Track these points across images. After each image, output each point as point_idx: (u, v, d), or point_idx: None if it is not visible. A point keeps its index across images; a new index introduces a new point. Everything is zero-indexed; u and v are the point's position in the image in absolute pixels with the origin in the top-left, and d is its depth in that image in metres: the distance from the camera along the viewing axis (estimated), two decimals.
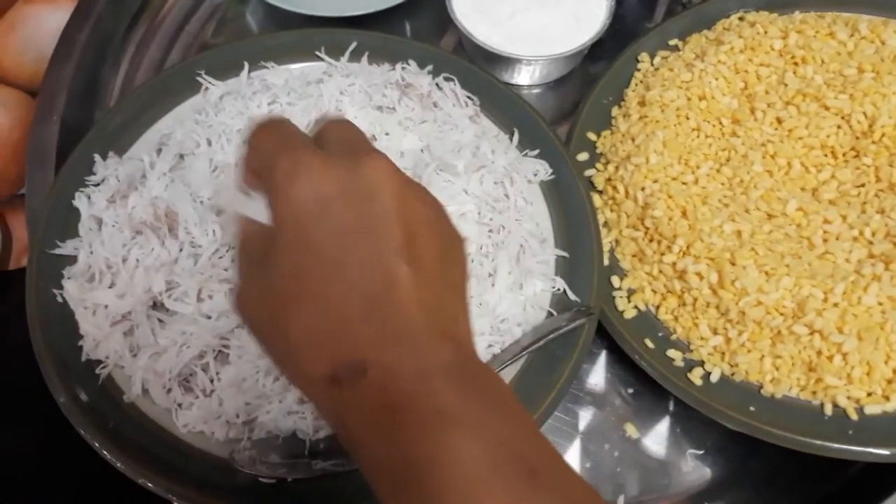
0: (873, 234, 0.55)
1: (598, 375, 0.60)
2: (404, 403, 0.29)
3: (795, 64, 0.63)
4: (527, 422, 0.31)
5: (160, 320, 0.52)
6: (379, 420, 0.29)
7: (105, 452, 0.49)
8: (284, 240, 0.31)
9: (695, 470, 0.57)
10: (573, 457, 0.57)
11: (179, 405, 0.51)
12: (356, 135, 0.35)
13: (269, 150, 0.33)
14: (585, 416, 0.58)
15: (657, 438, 0.58)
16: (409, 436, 0.29)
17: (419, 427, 0.29)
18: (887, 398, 0.52)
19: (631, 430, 0.58)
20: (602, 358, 0.60)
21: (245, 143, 0.35)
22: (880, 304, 0.52)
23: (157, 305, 0.52)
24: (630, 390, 0.59)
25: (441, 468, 0.28)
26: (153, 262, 0.52)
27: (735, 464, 0.57)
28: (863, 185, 0.58)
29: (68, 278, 0.54)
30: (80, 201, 0.56)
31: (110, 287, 0.52)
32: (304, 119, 0.58)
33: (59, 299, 0.54)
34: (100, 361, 0.52)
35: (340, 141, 0.34)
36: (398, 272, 0.31)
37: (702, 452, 0.57)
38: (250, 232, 0.34)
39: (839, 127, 0.60)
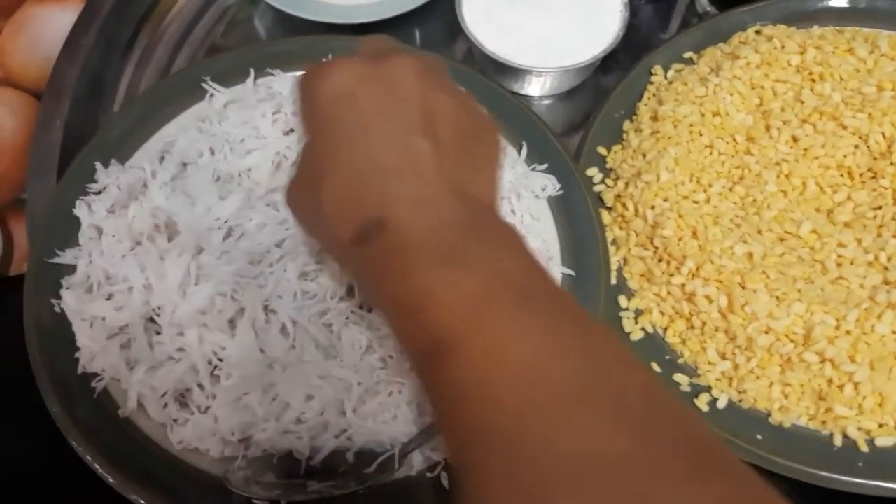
0: (889, 260, 0.53)
1: None
2: (416, 249, 0.33)
3: (813, 80, 0.61)
4: (526, 258, 0.34)
5: (157, 333, 0.51)
6: (394, 264, 0.33)
7: (97, 466, 0.48)
8: (315, 126, 0.36)
9: None
10: None
11: (175, 421, 0.50)
12: (391, 44, 0.40)
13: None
14: None
15: None
16: (416, 273, 0.32)
17: (425, 265, 0.32)
18: None
19: None
20: None
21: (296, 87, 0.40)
22: (894, 332, 0.51)
23: (154, 319, 0.51)
24: None
25: (440, 296, 0.31)
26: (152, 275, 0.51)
27: None
28: (879, 208, 0.56)
29: (67, 288, 0.53)
30: (80, 209, 0.56)
31: (108, 299, 0.52)
32: None
33: (57, 309, 0.53)
34: (96, 374, 0.51)
35: (374, 48, 0.38)
36: (418, 145, 0.34)
37: None
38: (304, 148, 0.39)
39: (856, 147, 0.58)
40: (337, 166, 0.35)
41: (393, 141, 0.34)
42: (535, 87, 0.69)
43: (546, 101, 0.70)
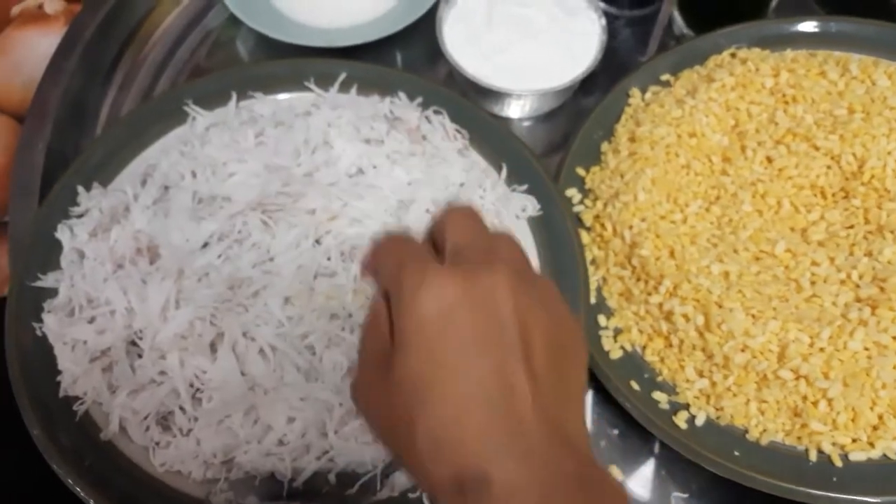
0: (860, 278, 0.54)
1: None
2: None
3: (786, 103, 0.63)
4: None
5: (139, 356, 0.51)
6: None
7: (79, 490, 0.48)
8: (409, 349, 0.33)
9: None
10: None
11: (157, 444, 0.50)
12: (476, 237, 0.37)
13: (394, 262, 0.35)
14: None
15: (642, 481, 0.57)
16: None
17: None
18: (872, 445, 0.51)
19: (616, 472, 0.57)
20: (588, 398, 0.59)
21: (369, 256, 0.37)
22: (866, 349, 0.52)
23: (136, 342, 0.51)
24: (616, 431, 0.58)
25: None
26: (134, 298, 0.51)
27: None
28: (852, 227, 0.58)
29: (48, 312, 0.54)
30: (62, 233, 0.56)
31: (90, 322, 0.52)
32: (288, 146, 0.58)
33: (39, 333, 0.53)
34: (78, 398, 0.51)
35: (461, 248, 0.36)
36: (517, 384, 0.32)
37: (686, 496, 0.57)
38: (376, 325, 0.36)
39: (829, 167, 0.59)
40: (433, 399, 0.33)
41: (493, 377, 0.32)
42: (515, 110, 0.70)
43: (526, 123, 0.71)
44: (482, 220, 0.38)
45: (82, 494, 0.48)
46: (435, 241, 0.38)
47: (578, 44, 0.68)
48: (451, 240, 0.37)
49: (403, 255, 0.35)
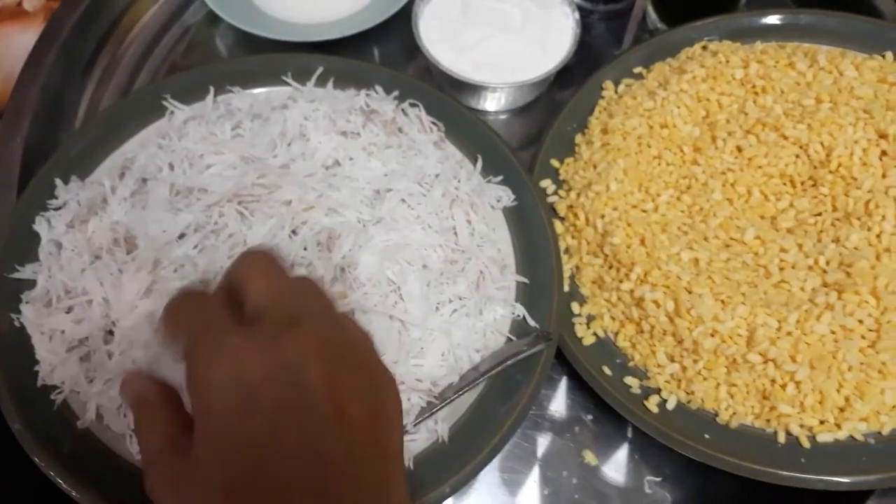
0: (827, 263, 0.55)
1: (558, 401, 0.60)
2: None
3: (756, 93, 0.64)
4: None
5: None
6: None
7: (60, 481, 0.49)
8: (209, 430, 0.30)
9: (653, 497, 0.57)
10: (532, 483, 0.57)
11: (133, 431, 0.50)
12: (278, 287, 0.34)
13: (187, 328, 0.32)
14: (544, 443, 0.58)
15: (616, 465, 0.58)
16: None
17: None
18: (839, 426, 0.52)
19: (589, 457, 0.58)
20: (563, 384, 0.60)
21: (162, 319, 0.34)
22: (833, 332, 0.53)
23: (112, 331, 0.52)
24: (589, 416, 0.59)
25: None
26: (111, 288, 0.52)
27: (693, 491, 0.57)
28: (819, 214, 0.59)
29: (26, 303, 0.54)
30: (40, 225, 0.56)
31: (67, 312, 0.52)
32: (265, 139, 0.59)
33: (17, 324, 0.53)
34: (55, 387, 0.52)
35: (262, 305, 0.33)
36: (329, 456, 0.30)
37: (660, 479, 0.58)
38: (152, 415, 0.33)
39: (797, 156, 0.61)
40: (238, 488, 0.29)
41: (301, 452, 0.29)
42: (491, 103, 0.71)
43: (502, 116, 0.72)
44: (281, 263, 0.35)
45: (64, 486, 0.48)
46: (233, 292, 0.34)
47: (553, 38, 0.69)
48: (251, 293, 0.33)
49: (197, 319, 0.32)
